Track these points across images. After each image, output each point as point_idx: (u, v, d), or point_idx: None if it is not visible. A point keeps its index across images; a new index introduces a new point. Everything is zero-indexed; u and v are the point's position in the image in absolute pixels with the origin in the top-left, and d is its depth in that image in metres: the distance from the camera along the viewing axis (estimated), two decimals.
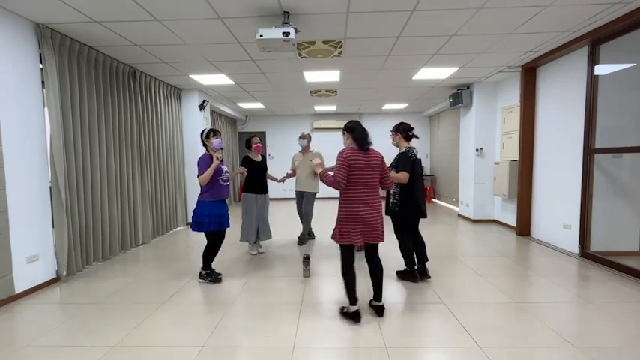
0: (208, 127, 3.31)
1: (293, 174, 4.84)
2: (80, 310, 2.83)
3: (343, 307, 2.70)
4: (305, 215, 4.85)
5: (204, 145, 3.38)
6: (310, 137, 4.93)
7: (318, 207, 5.27)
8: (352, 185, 2.51)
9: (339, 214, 2.61)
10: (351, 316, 2.58)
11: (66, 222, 3.47)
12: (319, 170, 2.74)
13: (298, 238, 4.94)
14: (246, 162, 4.24)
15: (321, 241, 5.05)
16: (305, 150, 4.87)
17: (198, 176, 3.22)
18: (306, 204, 4.81)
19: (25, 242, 3.17)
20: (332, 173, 2.57)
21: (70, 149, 3.63)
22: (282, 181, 4.67)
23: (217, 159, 3.23)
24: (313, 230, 5.24)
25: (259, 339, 2.35)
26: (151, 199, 5.24)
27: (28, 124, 3.22)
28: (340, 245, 2.61)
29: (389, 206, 3.33)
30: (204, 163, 3.23)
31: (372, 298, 2.78)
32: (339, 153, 2.55)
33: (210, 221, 3.27)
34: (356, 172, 2.50)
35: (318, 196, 4.95)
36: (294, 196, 5.08)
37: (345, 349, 2.22)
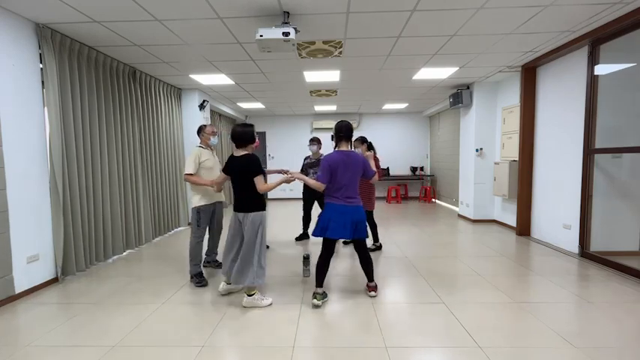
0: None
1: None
2: (80, 310, 2.83)
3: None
4: (221, 227, 3.85)
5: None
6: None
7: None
8: None
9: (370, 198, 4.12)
10: None
11: (63, 222, 3.47)
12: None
13: (206, 255, 3.90)
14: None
15: (318, 241, 5.01)
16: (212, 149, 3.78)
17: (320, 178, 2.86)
18: (220, 214, 3.77)
19: (25, 242, 3.17)
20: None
21: (70, 149, 3.62)
22: (211, 185, 3.40)
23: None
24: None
25: (259, 339, 2.35)
26: (151, 198, 5.24)
27: (28, 124, 3.23)
28: (371, 211, 4.25)
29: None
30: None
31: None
32: (373, 157, 3.34)
33: None
34: None
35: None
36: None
37: (345, 349, 2.22)
